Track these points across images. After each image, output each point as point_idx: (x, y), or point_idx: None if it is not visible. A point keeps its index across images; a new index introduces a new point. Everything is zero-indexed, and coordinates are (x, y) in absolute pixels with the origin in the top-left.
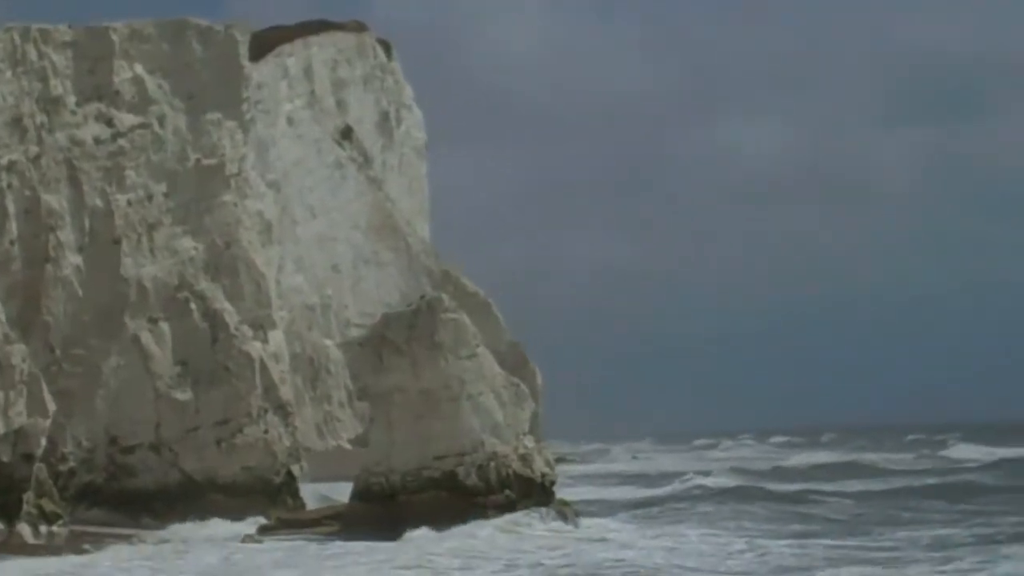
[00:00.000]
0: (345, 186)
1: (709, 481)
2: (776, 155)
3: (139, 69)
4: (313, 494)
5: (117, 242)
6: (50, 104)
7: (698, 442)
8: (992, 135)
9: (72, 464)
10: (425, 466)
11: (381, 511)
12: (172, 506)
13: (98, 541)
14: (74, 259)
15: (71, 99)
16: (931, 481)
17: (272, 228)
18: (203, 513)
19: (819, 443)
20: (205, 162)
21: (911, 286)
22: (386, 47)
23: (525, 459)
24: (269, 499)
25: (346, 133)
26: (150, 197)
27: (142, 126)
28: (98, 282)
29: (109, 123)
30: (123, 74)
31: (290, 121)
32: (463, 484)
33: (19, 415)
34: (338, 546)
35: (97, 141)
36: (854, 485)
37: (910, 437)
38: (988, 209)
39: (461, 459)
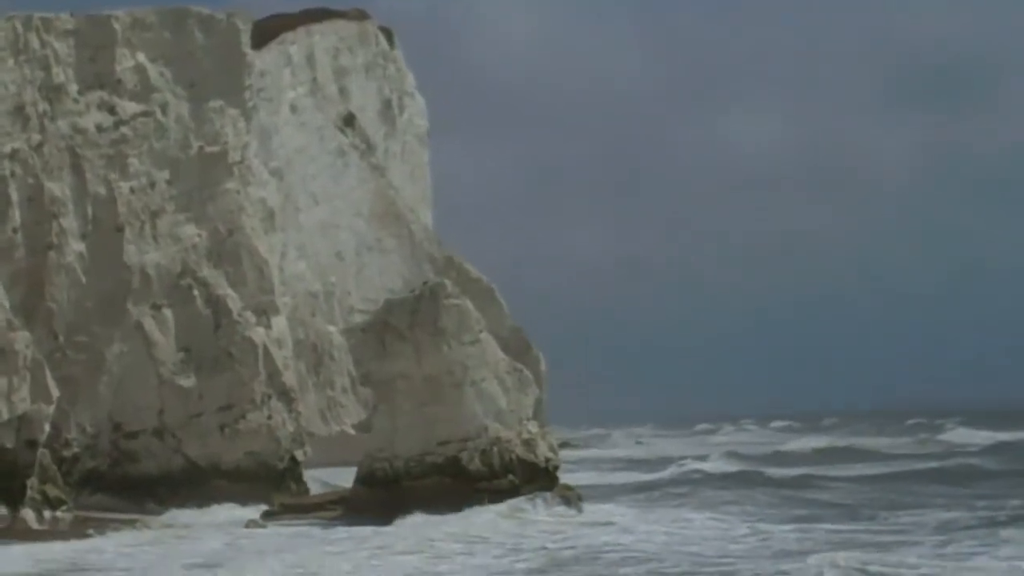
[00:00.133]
0: (348, 173)
1: (707, 466)
2: (774, 148)
3: (141, 57)
4: (317, 479)
5: (120, 229)
6: (52, 92)
7: (699, 427)
8: (990, 127)
9: (76, 450)
10: (428, 451)
11: (385, 496)
12: (175, 492)
13: (102, 526)
14: (77, 246)
15: (73, 87)
16: (929, 465)
17: (275, 215)
18: (207, 499)
19: (819, 428)
20: (208, 150)
21: (910, 275)
22: (388, 35)
23: (528, 444)
24: (273, 484)
25: (348, 120)
26: (153, 184)
27: (144, 114)
28: (101, 269)
29: (111, 111)
30: (125, 62)
31: (293, 109)
32: (466, 469)
33: (23, 401)
34: (341, 531)
35: (99, 129)
36: (851, 469)
37: (910, 422)
38: (986, 200)
39: (464, 444)
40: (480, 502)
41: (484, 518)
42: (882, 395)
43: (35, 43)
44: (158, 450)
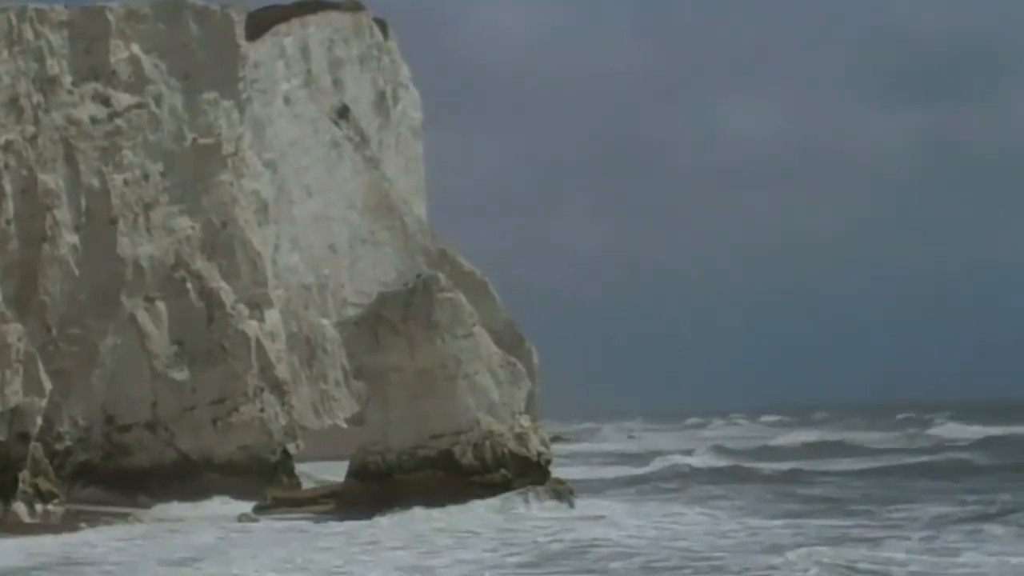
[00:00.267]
0: (342, 165)
1: (692, 460)
2: (772, 142)
3: (135, 49)
4: (309, 473)
5: (114, 222)
6: (47, 84)
7: (689, 421)
8: (990, 120)
9: (68, 443)
10: (421, 445)
11: (377, 490)
12: (168, 485)
13: (94, 520)
14: (71, 238)
15: (67, 79)
16: (918, 460)
17: (268, 207)
18: (199, 492)
19: (809, 422)
20: (202, 142)
21: (905, 266)
22: (383, 26)
23: (521, 438)
24: (265, 478)
25: (343, 112)
26: (147, 177)
27: (138, 106)
28: (95, 261)
29: (106, 103)
30: (119, 54)
31: (287, 100)
32: (459, 463)
33: (15, 394)
34: (333, 525)
35: (94, 121)
36: (839, 464)
37: (900, 416)
38: (982, 190)
39: (457, 438)
40: (472, 496)
41: (476, 512)
42: (875, 389)
43: (29, 34)
44: (151, 443)
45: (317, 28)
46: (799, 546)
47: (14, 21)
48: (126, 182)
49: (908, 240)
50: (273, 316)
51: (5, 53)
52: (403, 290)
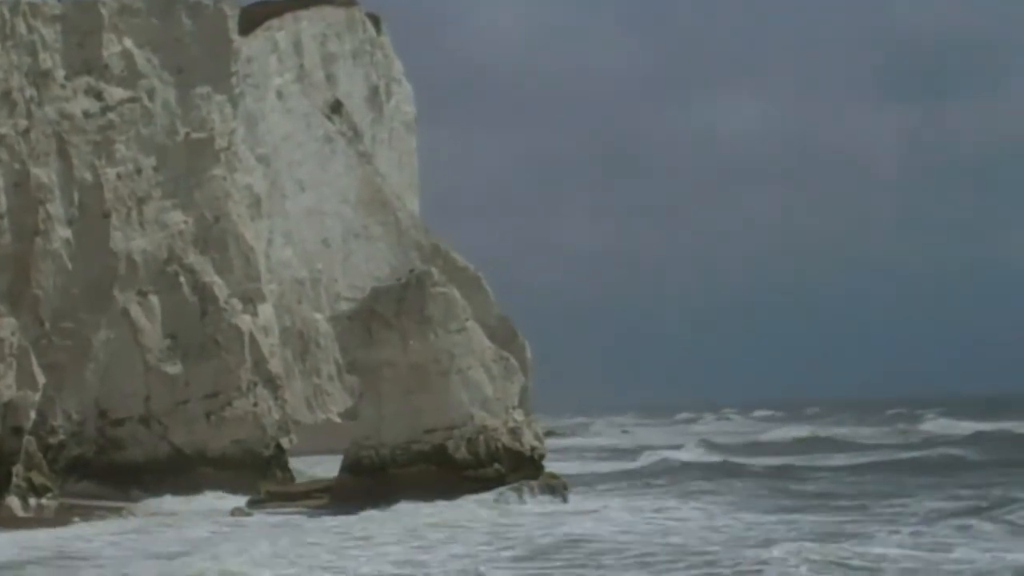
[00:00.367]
0: (335, 160)
1: (681, 455)
2: (768, 136)
3: (128, 43)
4: (302, 467)
5: (107, 216)
6: (39, 78)
7: (680, 416)
8: (984, 118)
9: (62, 437)
10: (415, 439)
11: (371, 484)
12: (161, 479)
13: (87, 514)
14: (64, 232)
15: (60, 73)
16: (907, 455)
17: (261, 202)
18: (192, 486)
19: (800, 418)
20: (194, 136)
21: (902, 265)
22: (375, 21)
23: (514, 433)
24: (259, 472)
25: (336, 107)
26: (139, 171)
27: (131, 100)
28: (88, 255)
29: (99, 97)
30: (112, 48)
31: (280, 95)
32: (452, 458)
33: (8, 388)
34: (326, 519)
35: (86, 115)
36: (829, 460)
37: (891, 411)
38: (980, 189)
39: (450, 433)
40: (466, 490)
41: (469, 506)
42: (870, 387)
43: (22, 28)
44: (144, 437)
45: (310, 23)
46: (790, 541)
47: (7, 15)
48: (119, 176)
49: (905, 239)
50: (266, 310)
51: None
52: (396, 285)
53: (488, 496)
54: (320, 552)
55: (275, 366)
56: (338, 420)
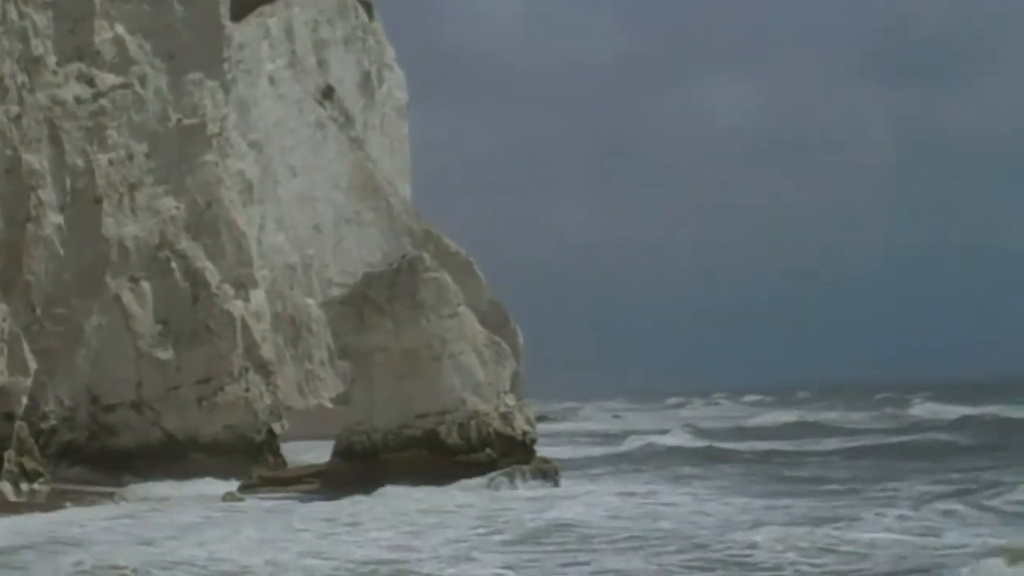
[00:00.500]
0: (326, 146)
1: (667, 440)
2: (747, 117)
3: (120, 29)
4: (294, 452)
5: (98, 201)
6: (31, 64)
7: (670, 401)
8: (971, 102)
9: (53, 422)
10: (406, 425)
11: (362, 469)
12: (153, 464)
13: (79, 499)
14: (55, 218)
15: (52, 59)
16: (891, 440)
17: (253, 188)
18: (184, 472)
19: (789, 402)
20: (186, 122)
21: (889, 248)
22: (367, 7)
23: (506, 418)
24: (251, 458)
25: (327, 93)
26: (131, 157)
27: (123, 86)
28: (79, 241)
29: (90, 83)
30: (104, 34)
31: (272, 81)
32: (444, 443)
33: (0, 374)
34: (319, 504)
35: (78, 101)
36: (812, 445)
37: (879, 396)
38: (964, 172)
39: (442, 418)
40: (458, 475)
41: (461, 491)
42: (861, 370)
43: (13, 14)
44: (136, 423)
45: (302, 9)
46: (779, 526)
47: None
48: (111, 162)
49: (898, 224)
50: (258, 296)
51: None
52: (388, 270)
53: (480, 481)
54: (310, 537)
55: (267, 352)
56: (330, 405)
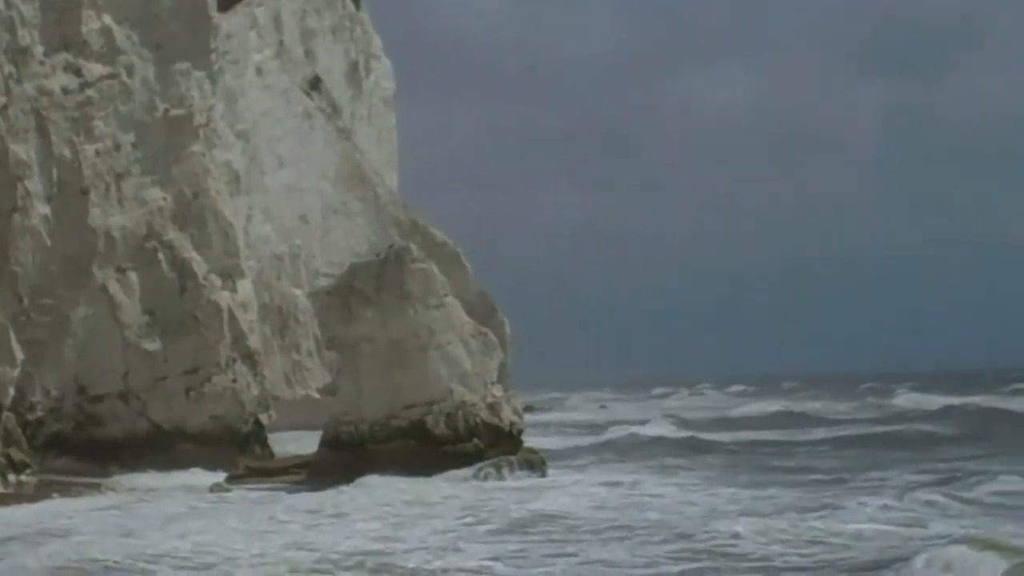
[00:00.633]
0: (313, 136)
1: (646, 430)
2: (741, 111)
3: (107, 19)
4: (281, 443)
5: (85, 192)
6: (18, 54)
7: (656, 391)
8: (962, 92)
9: (40, 413)
10: (394, 415)
11: (350, 459)
12: (141, 455)
13: (66, 490)
14: (42, 209)
15: (39, 49)
16: (873, 430)
17: (240, 178)
18: (172, 462)
19: (775, 392)
20: (173, 112)
21: (881, 239)
22: None
23: (493, 408)
24: (238, 448)
25: (315, 83)
26: (118, 147)
27: (110, 76)
28: (66, 232)
29: (77, 73)
30: (91, 24)
31: (259, 71)
32: (431, 433)
33: None
34: (305, 495)
35: (65, 91)
36: (796, 435)
37: (864, 386)
38: (952, 164)
39: (429, 408)
40: (445, 466)
41: (448, 482)
42: (849, 360)
43: (0, 5)
44: (123, 413)
45: None
46: (763, 516)
47: None
48: (97, 153)
49: (890, 216)
50: (245, 286)
51: None
52: (375, 261)
53: (467, 471)
54: (296, 528)
55: (254, 342)
56: (317, 396)
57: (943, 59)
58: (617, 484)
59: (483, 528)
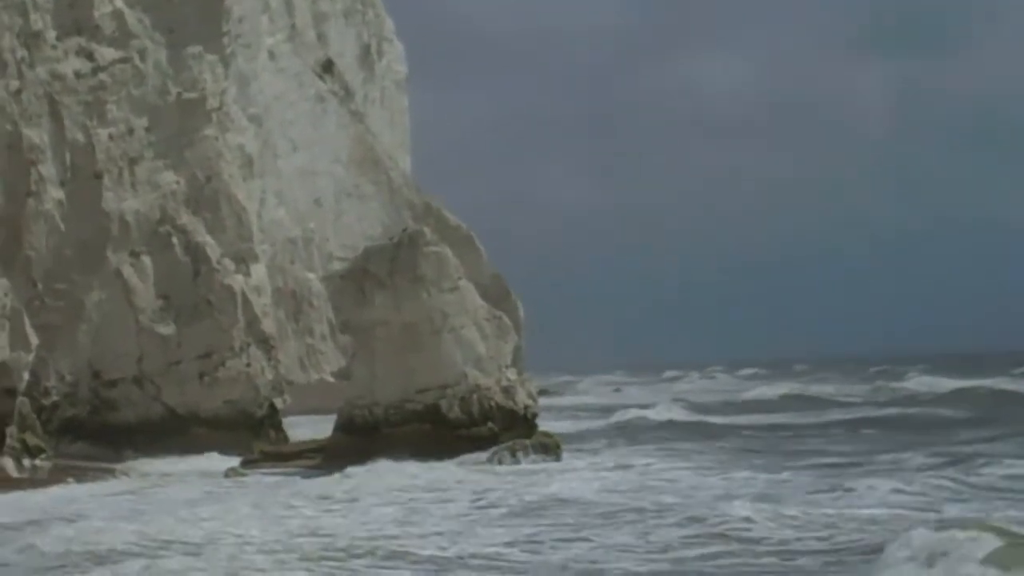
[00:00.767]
0: (326, 119)
1: (651, 413)
2: (748, 91)
3: (119, 3)
4: (296, 427)
5: (99, 176)
6: (31, 39)
7: (666, 374)
8: (967, 72)
9: (55, 398)
10: (408, 399)
11: (364, 443)
12: (155, 440)
13: (81, 475)
14: (56, 193)
15: (51, 33)
16: (881, 413)
17: (253, 162)
18: (186, 447)
19: (786, 375)
20: (186, 96)
21: (887, 221)
22: None
23: (507, 392)
24: (252, 432)
25: (327, 66)
26: (131, 131)
27: (123, 60)
28: (80, 216)
29: (90, 57)
30: (103, 8)
31: (271, 55)
32: (446, 417)
33: (1, 349)
34: (319, 479)
35: (78, 75)
36: (803, 418)
37: (874, 369)
38: (965, 144)
39: (444, 392)
40: (459, 450)
41: (463, 466)
42: (860, 342)
43: None
44: (137, 398)
45: None
46: (775, 500)
47: None
48: (111, 137)
49: (888, 193)
50: (259, 270)
51: None
52: (389, 244)
53: (482, 455)
54: (309, 513)
55: (268, 326)
56: (331, 380)
57: (951, 38)
58: (630, 467)
59: (499, 511)
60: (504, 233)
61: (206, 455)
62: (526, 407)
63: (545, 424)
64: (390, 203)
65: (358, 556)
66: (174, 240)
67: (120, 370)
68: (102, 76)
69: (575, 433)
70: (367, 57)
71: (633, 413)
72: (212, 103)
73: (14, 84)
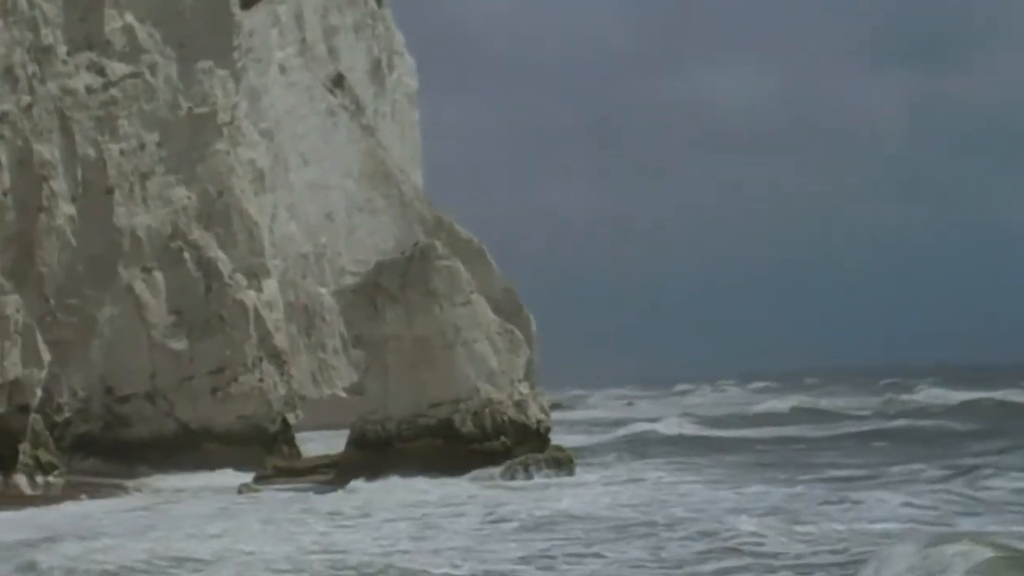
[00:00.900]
0: (337, 134)
1: (667, 428)
2: (757, 101)
3: (130, 18)
4: (309, 442)
5: (110, 192)
6: (42, 54)
7: (677, 388)
8: (979, 83)
9: (68, 414)
10: (420, 413)
11: (377, 458)
12: (168, 455)
13: (94, 491)
14: (68, 209)
15: (62, 48)
16: (890, 425)
17: (265, 176)
18: (199, 462)
19: (797, 388)
20: (197, 111)
21: (897, 231)
22: None
23: (520, 406)
24: (265, 448)
25: (338, 81)
26: (142, 146)
27: (134, 75)
28: (91, 232)
29: (101, 72)
30: (114, 23)
31: (282, 69)
32: (458, 431)
33: (14, 366)
34: (332, 495)
35: (89, 91)
36: (812, 431)
37: (884, 381)
38: (973, 152)
39: (456, 406)
40: (472, 464)
41: (476, 480)
42: (870, 354)
43: (24, 4)
44: (150, 414)
45: None
46: (786, 514)
47: None
48: (122, 152)
49: (905, 206)
50: (271, 285)
51: (0, 23)
52: (400, 258)
53: (494, 470)
54: (321, 529)
55: (280, 341)
56: (344, 395)
57: (964, 49)
58: (642, 481)
59: (511, 526)
60: (515, 245)
61: (219, 471)
62: (539, 421)
63: (557, 438)
64: (402, 217)
65: (370, 575)
66: (186, 255)
67: (133, 386)
68: (113, 91)
69: (587, 447)
70: (378, 71)
71: (644, 427)
72: (223, 118)
73: (25, 99)
